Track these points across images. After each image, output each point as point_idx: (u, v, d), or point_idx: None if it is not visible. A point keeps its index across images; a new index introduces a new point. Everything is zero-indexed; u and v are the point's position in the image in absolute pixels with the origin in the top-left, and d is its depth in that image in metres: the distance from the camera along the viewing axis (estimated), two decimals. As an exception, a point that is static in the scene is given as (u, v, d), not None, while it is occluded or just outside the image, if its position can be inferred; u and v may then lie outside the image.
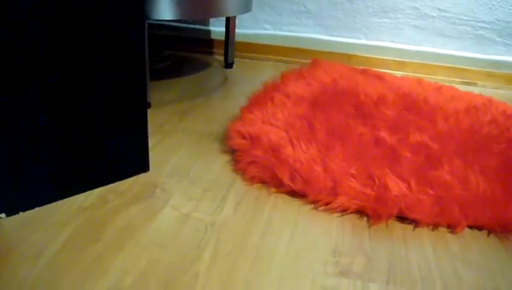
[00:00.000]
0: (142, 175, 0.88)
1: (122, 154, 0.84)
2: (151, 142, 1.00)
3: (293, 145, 0.92)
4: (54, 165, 0.76)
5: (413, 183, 0.83)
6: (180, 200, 0.81)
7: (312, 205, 0.83)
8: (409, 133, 1.00)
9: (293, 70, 1.39)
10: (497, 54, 1.71)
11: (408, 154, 0.91)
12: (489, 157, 0.93)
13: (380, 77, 1.34)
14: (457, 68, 1.74)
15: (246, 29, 1.81)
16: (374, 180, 0.83)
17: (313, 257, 0.69)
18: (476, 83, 1.73)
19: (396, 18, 1.71)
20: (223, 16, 1.30)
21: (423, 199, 0.80)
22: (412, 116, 1.08)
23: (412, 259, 0.71)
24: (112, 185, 0.84)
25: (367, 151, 0.92)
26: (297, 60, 1.80)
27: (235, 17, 1.60)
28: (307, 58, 1.79)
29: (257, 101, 1.13)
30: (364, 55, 1.77)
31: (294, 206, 0.82)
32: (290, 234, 0.74)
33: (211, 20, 1.82)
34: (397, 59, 1.76)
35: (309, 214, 0.80)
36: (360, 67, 1.43)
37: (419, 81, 1.46)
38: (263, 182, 0.88)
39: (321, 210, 0.81)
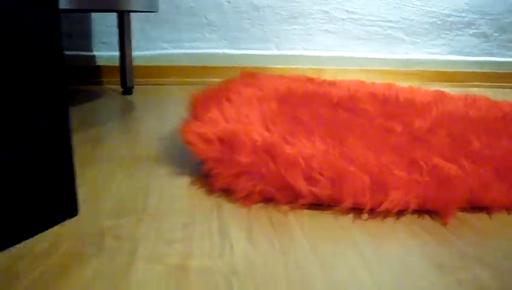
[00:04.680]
0: (68, 222, 0.52)
1: (29, 194, 0.47)
2: (64, 177, 0.63)
3: (289, 143, 0.64)
4: None
5: (464, 162, 0.62)
6: (155, 247, 0.47)
7: (351, 214, 0.56)
8: (410, 121, 0.81)
9: (233, 80, 1.12)
10: (406, 53, 1.68)
11: (432, 138, 0.71)
12: (506, 130, 0.78)
13: (332, 83, 1.16)
14: (372, 70, 1.66)
15: (140, 50, 1.50)
16: (421, 166, 0.60)
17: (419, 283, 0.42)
18: (394, 84, 1.67)
19: (307, 24, 1.58)
20: (125, 9, 0.99)
21: (488, 177, 0.59)
22: (397, 109, 0.90)
23: (531, 256, 0.48)
24: (16, 246, 0.46)
25: (385, 140, 0.69)
26: (205, 79, 1.54)
27: (130, 34, 1.29)
28: (217, 77, 1.54)
29: (209, 100, 0.83)
30: (278, 66, 1.59)
31: (327, 222, 0.54)
32: (359, 259, 0.46)
33: (95, 43, 1.47)
34: (313, 67, 1.61)
35: (355, 227, 0.53)
36: (305, 77, 1.25)
37: (362, 83, 1.32)
38: (265, 198, 0.58)
39: (367, 219, 0.55)
